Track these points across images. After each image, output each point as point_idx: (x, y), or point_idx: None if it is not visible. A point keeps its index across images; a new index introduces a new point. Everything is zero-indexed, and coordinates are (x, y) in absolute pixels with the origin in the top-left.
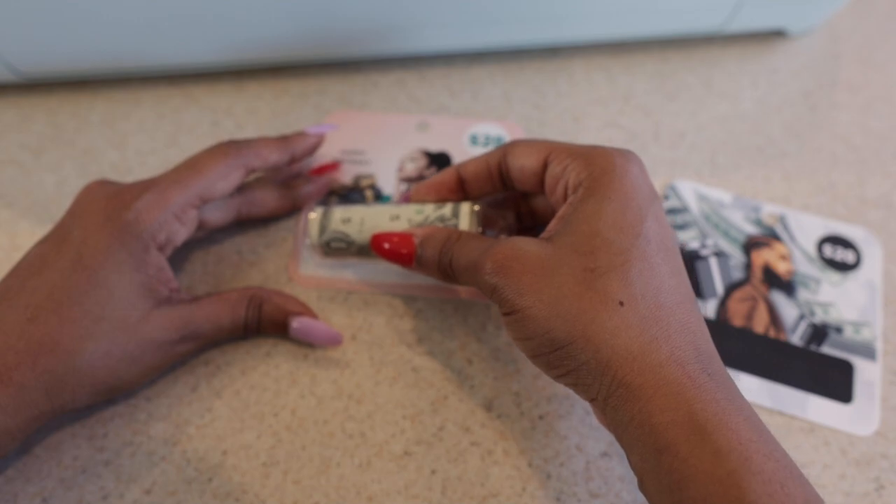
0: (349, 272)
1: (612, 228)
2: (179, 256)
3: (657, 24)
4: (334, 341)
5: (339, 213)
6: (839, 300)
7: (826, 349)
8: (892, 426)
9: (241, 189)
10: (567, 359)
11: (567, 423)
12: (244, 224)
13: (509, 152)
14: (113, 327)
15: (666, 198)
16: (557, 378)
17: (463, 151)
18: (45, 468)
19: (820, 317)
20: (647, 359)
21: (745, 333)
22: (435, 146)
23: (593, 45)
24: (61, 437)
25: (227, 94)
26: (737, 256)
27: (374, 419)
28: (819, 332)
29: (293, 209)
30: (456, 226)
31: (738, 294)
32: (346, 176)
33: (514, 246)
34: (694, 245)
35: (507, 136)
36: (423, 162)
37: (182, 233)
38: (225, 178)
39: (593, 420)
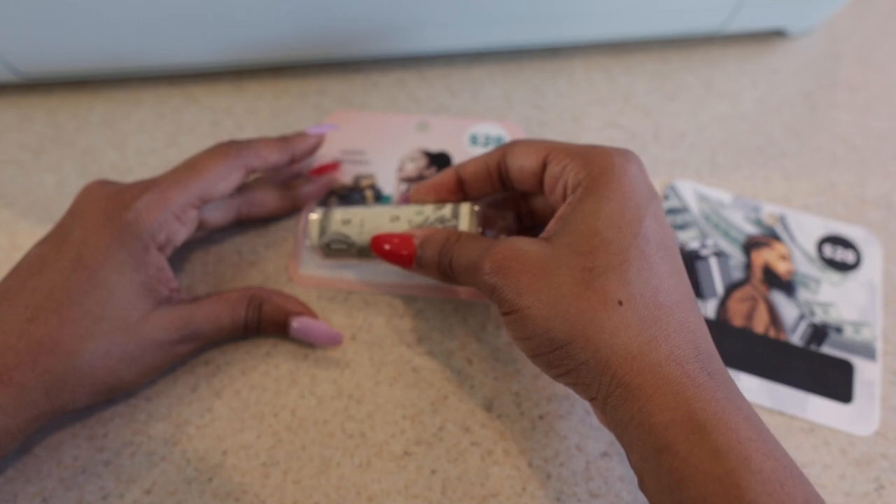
0: (349, 272)
1: (611, 228)
2: (179, 256)
3: (657, 24)
4: (334, 341)
5: (339, 214)
6: (839, 300)
7: (826, 349)
8: (892, 426)
9: (242, 189)
10: (566, 358)
11: (567, 423)
12: (244, 224)
13: (508, 152)
14: (113, 327)
15: (666, 198)
16: (557, 377)
17: (463, 151)
18: (45, 468)
19: (820, 317)
20: (646, 358)
21: (745, 333)
22: (435, 146)
23: (593, 45)
24: (61, 437)
25: (227, 94)
26: (737, 256)
27: (374, 419)
28: (819, 332)
29: (293, 209)
30: (456, 226)
31: (738, 294)
32: (346, 176)
33: (513, 246)
34: (694, 245)
35: (507, 136)
36: (423, 162)
37: (182, 233)
38: (225, 179)
39: (593, 420)
